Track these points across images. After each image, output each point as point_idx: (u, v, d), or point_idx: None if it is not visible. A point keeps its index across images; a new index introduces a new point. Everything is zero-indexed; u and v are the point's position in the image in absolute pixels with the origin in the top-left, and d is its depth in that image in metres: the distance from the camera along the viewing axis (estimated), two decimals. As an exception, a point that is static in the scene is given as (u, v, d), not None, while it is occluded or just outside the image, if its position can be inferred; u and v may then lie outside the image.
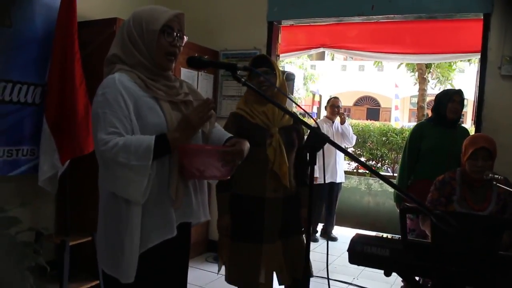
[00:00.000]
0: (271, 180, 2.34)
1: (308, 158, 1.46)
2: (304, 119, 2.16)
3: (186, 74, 3.97)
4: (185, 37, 1.71)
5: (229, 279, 2.44)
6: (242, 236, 2.38)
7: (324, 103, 17.52)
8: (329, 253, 1.57)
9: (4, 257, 2.55)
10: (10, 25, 2.98)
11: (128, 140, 1.48)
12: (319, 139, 1.46)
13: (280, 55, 4.51)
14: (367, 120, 17.26)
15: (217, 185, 2.24)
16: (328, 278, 1.68)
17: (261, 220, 2.34)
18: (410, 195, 1.36)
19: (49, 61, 3.10)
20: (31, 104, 3.16)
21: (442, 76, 11.23)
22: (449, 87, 12.45)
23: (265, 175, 2.33)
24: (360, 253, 2.07)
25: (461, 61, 9.96)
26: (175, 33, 1.66)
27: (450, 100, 3.22)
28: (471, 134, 3.19)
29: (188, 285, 1.87)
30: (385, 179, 1.47)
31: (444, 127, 3.26)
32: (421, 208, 1.38)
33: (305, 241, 2.36)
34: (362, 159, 8.18)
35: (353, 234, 2.13)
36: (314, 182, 2.52)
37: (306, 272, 1.53)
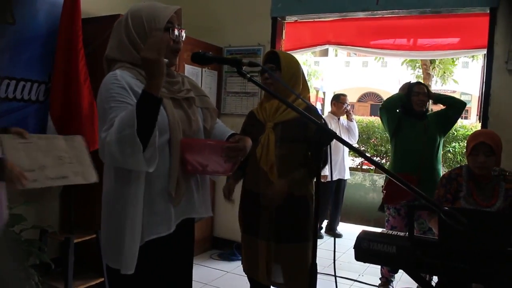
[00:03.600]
0: (264, 176, 2.33)
1: (316, 154, 1.44)
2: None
3: (190, 70, 3.96)
4: (183, 31, 1.68)
5: (243, 268, 2.54)
6: (246, 228, 2.48)
7: (327, 100, 17.48)
8: (332, 249, 1.56)
9: (9, 254, 2.55)
10: (13, 22, 2.97)
11: (117, 118, 1.45)
12: (325, 135, 1.44)
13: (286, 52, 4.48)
14: (371, 116, 17.21)
15: None
16: (335, 276, 1.66)
17: (257, 214, 2.37)
18: (418, 191, 1.33)
19: (53, 58, 3.09)
20: (35, 101, 3.15)
21: (444, 72, 11.18)
22: (452, 83, 12.46)
23: (258, 171, 2.34)
24: (366, 250, 2.06)
25: (464, 56, 9.93)
26: (176, 29, 1.63)
27: (414, 94, 3.36)
28: (476, 129, 3.22)
29: (193, 282, 1.87)
30: (393, 174, 1.45)
31: (414, 119, 3.37)
32: (430, 204, 1.36)
33: (309, 247, 2.36)
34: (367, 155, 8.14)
35: (358, 231, 2.12)
36: (323, 180, 2.52)
37: (313, 272, 1.51)
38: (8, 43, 2.95)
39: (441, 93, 3.61)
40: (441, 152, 3.43)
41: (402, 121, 3.39)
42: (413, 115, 3.37)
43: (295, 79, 2.41)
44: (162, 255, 1.66)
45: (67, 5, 3.05)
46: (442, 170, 3.42)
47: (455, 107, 3.35)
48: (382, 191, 3.45)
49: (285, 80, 2.33)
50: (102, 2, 3.65)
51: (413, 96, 3.35)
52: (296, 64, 2.44)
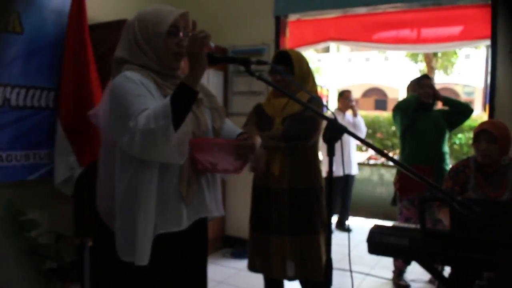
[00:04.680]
0: (273, 170, 2.37)
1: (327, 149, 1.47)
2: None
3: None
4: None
5: (248, 265, 2.54)
6: (255, 225, 2.49)
7: (331, 97, 17.45)
8: (343, 244, 1.58)
9: (27, 259, 2.59)
10: (22, 31, 3.01)
11: (151, 109, 1.48)
12: (336, 130, 1.47)
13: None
14: (375, 110, 17.19)
15: None
16: (350, 271, 1.68)
17: (268, 210, 2.40)
18: (432, 183, 1.36)
19: (61, 65, 3.14)
20: (45, 108, 3.20)
21: (448, 62, 11.17)
22: (455, 75, 12.45)
23: (267, 165, 2.37)
24: (379, 243, 2.09)
25: (467, 47, 9.91)
26: (181, 33, 1.65)
27: (421, 86, 3.43)
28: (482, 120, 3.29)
29: (207, 280, 1.89)
30: (405, 166, 1.47)
31: (423, 112, 3.43)
32: (443, 195, 1.38)
33: (321, 240, 2.39)
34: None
35: (367, 225, 2.14)
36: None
37: (329, 267, 1.53)
38: (17, 52, 2.99)
39: (452, 97, 3.64)
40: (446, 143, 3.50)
41: (414, 115, 3.45)
42: (421, 108, 3.42)
43: (306, 77, 2.46)
44: (175, 253, 1.68)
45: (73, 13, 3.09)
46: (451, 162, 3.47)
47: (463, 112, 3.42)
48: (395, 185, 3.49)
49: (297, 79, 2.38)
50: (108, 8, 3.69)
51: (419, 88, 3.42)
52: (306, 62, 2.48)
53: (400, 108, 3.51)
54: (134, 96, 1.51)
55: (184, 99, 1.49)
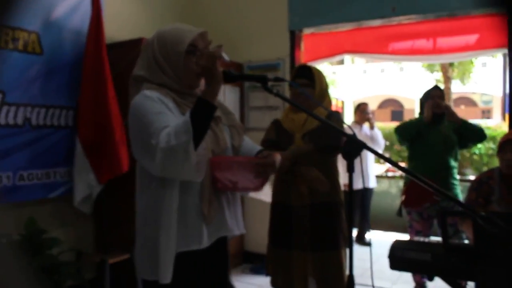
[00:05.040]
0: (295, 186, 2.36)
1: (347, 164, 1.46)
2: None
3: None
4: None
5: (271, 282, 2.53)
6: (276, 241, 2.49)
7: (346, 109, 17.35)
8: (364, 258, 1.56)
9: (48, 277, 2.62)
10: (41, 52, 3.08)
11: (171, 126, 1.48)
12: (355, 145, 1.47)
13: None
14: (392, 122, 17.06)
15: None
16: (373, 287, 1.66)
17: (289, 226, 2.39)
18: (450, 196, 1.34)
19: (80, 84, 3.19)
20: (64, 127, 3.24)
21: (464, 73, 11.05)
22: (471, 84, 12.30)
23: (287, 182, 2.37)
24: (400, 259, 2.06)
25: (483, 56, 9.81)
26: (199, 52, 1.66)
27: (429, 97, 3.36)
28: (502, 130, 3.20)
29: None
30: (424, 180, 1.45)
31: (433, 123, 3.34)
32: (466, 209, 1.36)
33: (343, 255, 2.37)
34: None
35: (387, 238, 2.11)
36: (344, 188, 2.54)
37: (350, 285, 1.52)
38: (37, 73, 3.05)
39: (469, 121, 3.46)
40: (459, 157, 3.42)
41: (420, 127, 3.37)
42: (431, 120, 3.34)
43: (325, 92, 2.48)
44: (196, 272, 1.67)
45: (92, 33, 3.15)
46: (470, 173, 3.40)
47: (478, 137, 3.31)
48: (401, 196, 3.44)
49: (317, 94, 2.39)
50: (124, 27, 3.75)
51: (429, 99, 3.35)
52: (325, 78, 2.51)
53: (398, 133, 3.48)
54: (154, 114, 1.52)
55: (203, 115, 1.49)
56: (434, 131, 3.33)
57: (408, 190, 3.35)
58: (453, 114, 3.30)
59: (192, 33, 1.65)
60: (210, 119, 1.51)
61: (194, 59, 1.64)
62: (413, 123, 3.44)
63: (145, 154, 1.51)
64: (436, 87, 3.50)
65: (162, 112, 1.53)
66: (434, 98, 3.33)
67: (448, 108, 3.33)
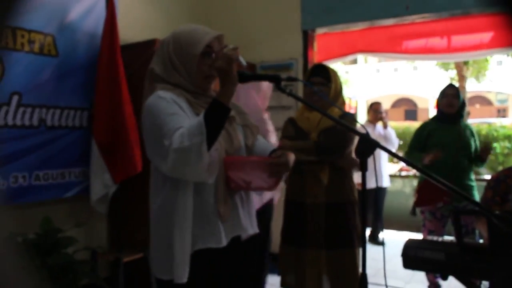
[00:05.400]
0: (310, 184, 2.35)
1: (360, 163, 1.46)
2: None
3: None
4: None
5: (281, 282, 2.53)
6: (288, 239, 2.49)
7: (359, 108, 17.27)
8: (377, 257, 1.56)
9: (63, 275, 2.66)
10: (57, 54, 3.12)
11: (185, 127, 1.48)
12: (369, 144, 1.47)
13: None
14: (406, 121, 16.94)
15: None
16: (386, 286, 1.66)
17: (303, 225, 2.39)
18: (464, 194, 1.33)
19: (95, 85, 3.23)
20: (79, 128, 3.28)
21: (479, 72, 10.95)
22: (486, 82, 12.18)
23: (301, 180, 2.38)
24: (414, 258, 2.05)
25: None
26: (213, 55, 1.66)
27: (444, 95, 3.33)
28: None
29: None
30: (438, 179, 1.44)
31: (446, 124, 3.31)
32: (480, 209, 1.35)
33: (357, 254, 2.37)
34: (404, 161, 8.01)
35: (400, 237, 2.11)
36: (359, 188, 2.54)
37: (363, 284, 1.52)
38: (52, 74, 3.10)
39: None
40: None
41: (434, 128, 3.36)
42: (445, 120, 3.33)
43: (340, 92, 2.50)
44: (213, 271, 1.66)
45: (106, 35, 3.18)
46: (485, 172, 3.37)
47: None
48: (414, 194, 3.42)
49: (333, 94, 2.41)
50: (138, 28, 3.78)
51: (443, 98, 3.33)
52: (339, 78, 2.52)
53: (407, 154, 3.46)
54: (168, 114, 1.53)
55: (217, 116, 1.49)
56: (447, 131, 3.30)
57: (421, 189, 3.33)
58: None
59: (208, 36, 1.65)
60: (224, 120, 1.52)
61: (208, 61, 1.65)
62: (415, 157, 3.36)
63: (157, 155, 1.52)
64: (450, 85, 3.47)
65: (176, 113, 1.54)
66: (448, 97, 3.31)
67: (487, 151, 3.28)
